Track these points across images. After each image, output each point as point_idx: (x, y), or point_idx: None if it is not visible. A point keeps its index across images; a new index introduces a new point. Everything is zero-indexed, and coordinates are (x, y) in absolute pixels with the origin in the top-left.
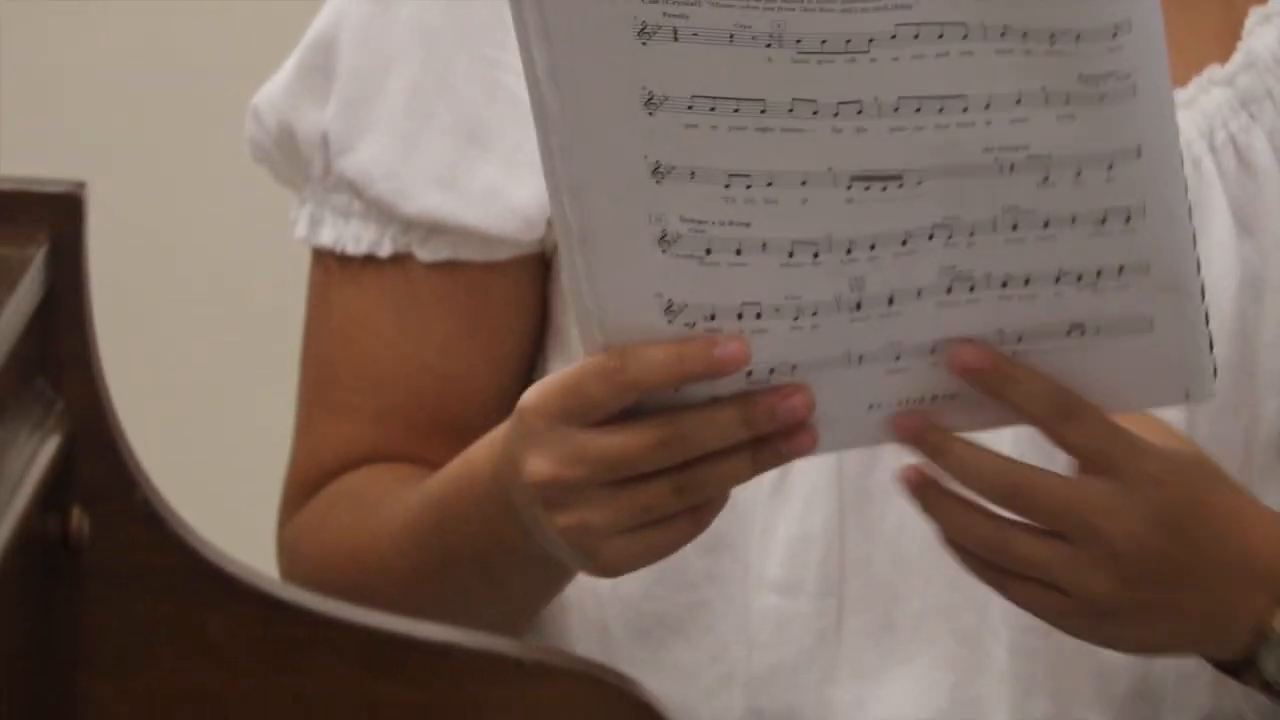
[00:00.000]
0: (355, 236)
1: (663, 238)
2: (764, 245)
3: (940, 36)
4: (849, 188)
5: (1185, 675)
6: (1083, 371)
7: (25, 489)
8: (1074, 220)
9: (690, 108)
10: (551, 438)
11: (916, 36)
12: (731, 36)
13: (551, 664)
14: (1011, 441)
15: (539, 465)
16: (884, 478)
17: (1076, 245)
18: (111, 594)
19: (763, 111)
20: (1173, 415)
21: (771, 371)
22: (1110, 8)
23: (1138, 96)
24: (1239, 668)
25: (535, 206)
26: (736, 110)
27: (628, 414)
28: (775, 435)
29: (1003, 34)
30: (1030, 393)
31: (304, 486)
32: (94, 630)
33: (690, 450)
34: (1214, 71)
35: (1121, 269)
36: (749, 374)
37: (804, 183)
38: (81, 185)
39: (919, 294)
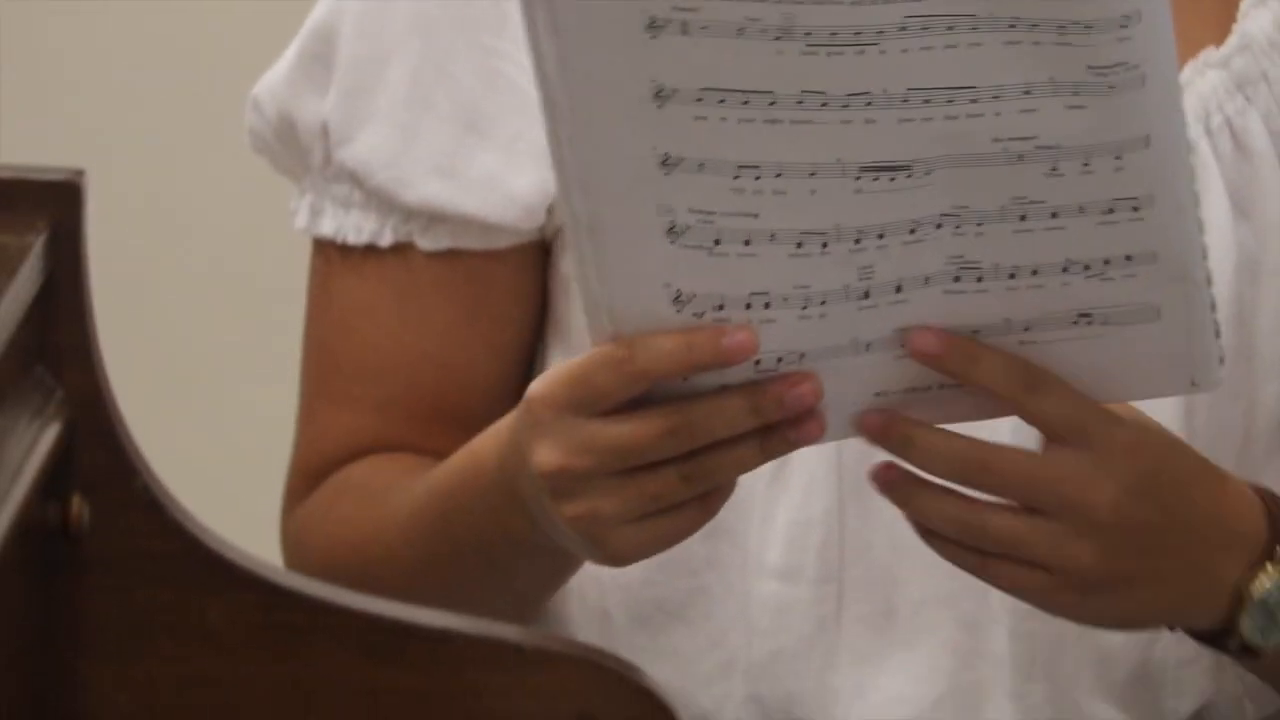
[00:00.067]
0: (356, 226)
1: (671, 229)
2: (772, 236)
3: (949, 28)
4: (858, 178)
5: (1185, 660)
6: (1089, 361)
7: (25, 477)
8: (1082, 210)
9: (699, 100)
10: (560, 427)
11: (925, 28)
12: (741, 30)
13: (552, 650)
14: (1010, 432)
15: (547, 455)
16: None
17: (1084, 235)
18: (111, 581)
19: (772, 104)
20: (1170, 401)
21: (779, 360)
22: None
23: (1146, 86)
24: (1221, 637)
25: (535, 194)
26: (746, 102)
27: (636, 403)
28: (783, 423)
29: (1011, 25)
30: (994, 369)
31: (307, 476)
32: (94, 617)
33: (699, 439)
34: (1210, 54)
35: (1129, 258)
36: (757, 363)
37: (813, 174)
38: (80, 173)
39: (926, 281)
